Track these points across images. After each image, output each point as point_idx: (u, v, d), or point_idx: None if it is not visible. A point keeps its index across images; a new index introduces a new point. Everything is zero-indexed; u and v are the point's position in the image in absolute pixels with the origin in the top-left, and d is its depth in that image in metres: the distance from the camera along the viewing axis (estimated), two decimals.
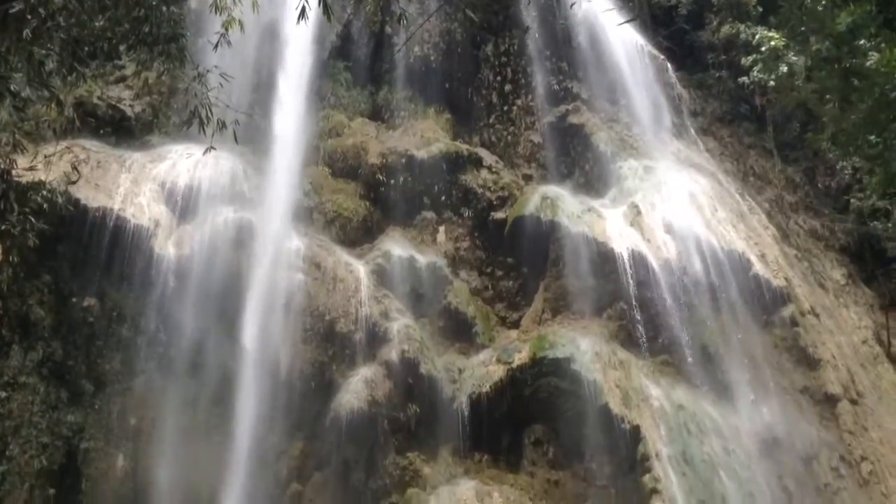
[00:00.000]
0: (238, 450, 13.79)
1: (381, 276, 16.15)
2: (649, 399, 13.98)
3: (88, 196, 14.21)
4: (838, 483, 13.14)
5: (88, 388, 13.71)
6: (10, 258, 12.64)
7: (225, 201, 15.50)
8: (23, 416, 12.95)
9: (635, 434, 13.54)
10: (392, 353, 14.91)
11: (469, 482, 13.94)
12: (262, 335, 14.58)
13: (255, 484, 13.71)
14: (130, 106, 16.81)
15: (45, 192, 11.98)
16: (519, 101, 19.36)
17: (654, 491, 12.89)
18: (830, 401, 14.10)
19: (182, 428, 13.83)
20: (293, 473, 14.27)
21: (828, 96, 13.54)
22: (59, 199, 12.94)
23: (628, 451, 13.61)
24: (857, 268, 17.78)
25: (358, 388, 14.42)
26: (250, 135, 16.01)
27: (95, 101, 16.31)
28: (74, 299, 13.93)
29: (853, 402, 14.01)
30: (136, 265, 14.17)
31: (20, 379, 13.12)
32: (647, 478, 13.07)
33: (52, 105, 11.30)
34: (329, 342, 15.06)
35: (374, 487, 14.15)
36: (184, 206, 15.17)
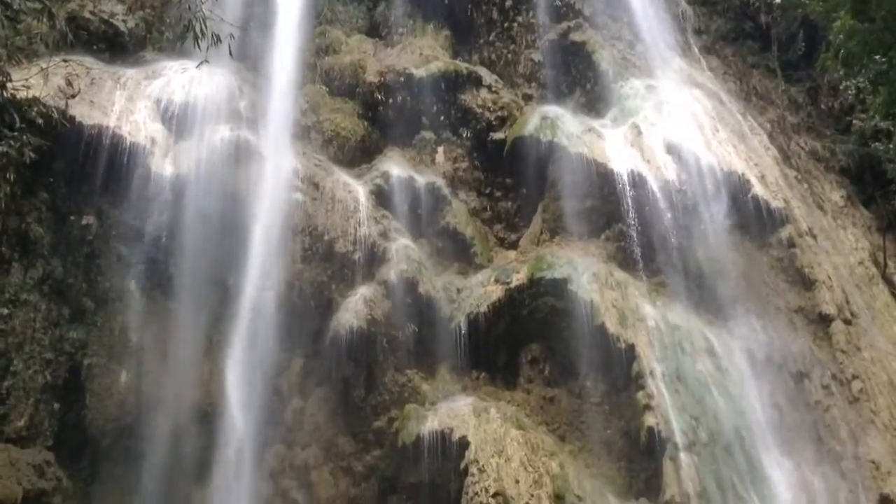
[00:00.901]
0: (240, 366, 14.00)
1: (379, 197, 16.12)
2: (645, 319, 14.15)
3: (84, 113, 14.03)
4: (829, 400, 13.41)
5: (89, 305, 13.82)
6: (7, 175, 12.62)
7: (221, 119, 15.31)
8: (25, 333, 13.07)
9: (630, 353, 13.75)
10: (391, 273, 15.01)
11: (466, 399, 14.23)
12: (260, 254, 14.62)
13: (258, 399, 13.96)
14: (123, 21, 16.43)
15: (40, 108, 11.82)
16: (520, 18, 18.97)
17: (647, 407, 13.17)
18: (824, 321, 14.28)
19: (184, 345, 13.99)
20: (294, 389, 14.54)
21: (834, 14, 13.29)
22: (55, 115, 12.80)
23: (623, 370, 13.86)
24: (856, 189, 17.75)
25: (357, 307, 14.55)
26: (246, 51, 15.76)
27: (87, 15, 15.94)
28: (72, 217, 13.90)
29: (847, 322, 14.18)
30: (133, 184, 14.07)
31: (21, 296, 13.19)
32: (640, 395, 13.34)
33: (44, 18, 11.08)
34: (328, 262, 15.12)
35: (373, 403, 14.43)
36: (180, 123, 14.98)
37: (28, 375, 12.93)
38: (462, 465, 12.96)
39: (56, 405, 13.17)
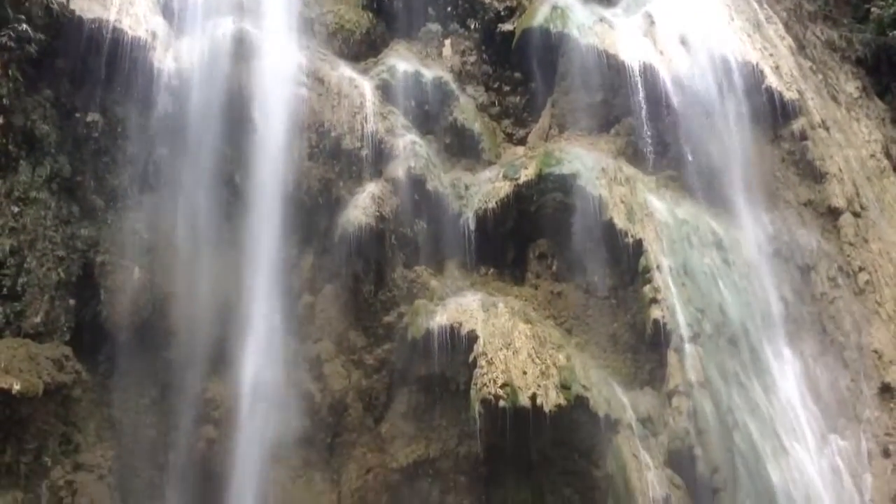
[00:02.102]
0: (250, 263, 14.13)
1: (386, 92, 15.89)
2: (653, 214, 14.14)
3: (83, 7, 13.66)
4: (834, 292, 13.53)
5: (99, 203, 13.83)
6: (10, 72, 12.45)
7: (223, 12, 14.96)
8: (37, 231, 13.15)
9: (637, 247, 13.80)
10: (398, 170, 14.94)
11: (475, 294, 14.39)
12: (267, 151, 14.53)
13: (269, 296, 14.16)
14: None
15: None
16: None
17: (654, 301, 13.32)
18: (833, 213, 14.23)
19: (195, 243, 14.08)
20: (305, 285, 14.72)
21: None
22: (55, 5, 12.49)
23: (630, 264, 13.95)
24: (871, 80, 17.35)
25: (365, 203, 14.57)
26: None
27: None
28: (77, 114, 13.74)
29: (856, 214, 14.14)
30: (136, 79, 13.85)
31: (31, 194, 13.20)
32: (647, 288, 13.47)
33: None
34: (335, 159, 15.04)
35: (383, 299, 14.63)
36: (181, 17, 14.66)
37: (42, 273, 13.09)
38: (471, 358, 13.22)
39: (71, 301, 13.38)
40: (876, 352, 12.75)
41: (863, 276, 13.53)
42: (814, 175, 14.55)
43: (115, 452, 13.17)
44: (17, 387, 11.94)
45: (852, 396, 12.54)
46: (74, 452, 12.82)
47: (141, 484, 13.25)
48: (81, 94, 13.83)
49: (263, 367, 13.80)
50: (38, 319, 12.93)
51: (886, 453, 11.88)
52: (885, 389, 12.47)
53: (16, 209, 13.05)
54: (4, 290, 12.80)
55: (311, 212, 14.80)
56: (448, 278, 14.91)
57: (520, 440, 12.88)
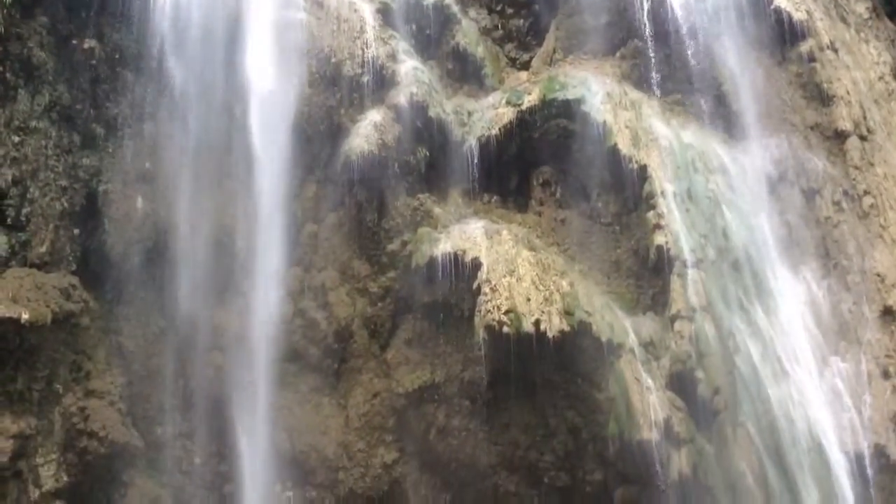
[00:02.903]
0: (253, 193, 14.09)
1: (386, 16, 15.58)
2: (658, 139, 14.03)
3: None
4: (839, 217, 13.51)
5: (99, 132, 13.72)
6: None
7: None
8: (38, 160, 13.08)
9: (642, 173, 13.75)
10: (400, 97, 14.75)
11: (478, 221, 14.39)
12: (267, 79, 14.33)
13: (272, 226, 14.17)
14: None
15: None
16: None
17: (657, 227, 13.33)
18: (840, 137, 14.11)
19: (196, 173, 14.02)
20: (308, 214, 14.71)
21: None
22: None
23: (634, 190, 13.91)
24: (881, 0, 16.98)
25: (367, 131, 14.43)
26: None
27: None
28: (74, 41, 13.52)
29: (862, 138, 14.01)
30: (132, 5, 13.62)
31: (30, 123, 13.08)
32: (650, 214, 13.47)
33: None
34: (336, 86, 14.83)
35: (386, 227, 14.62)
36: None
37: (45, 202, 13.08)
38: (475, 285, 13.30)
39: (76, 231, 13.42)
40: (879, 275, 12.80)
41: (867, 200, 13.49)
42: (821, 98, 14.38)
43: (125, 379, 13.40)
44: (25, 316, 12.07)
45: (854, 319, 12.63)
46: (85, 379, 13.04)
47: (151, 409, 13.51)
48: (77, 20, 13.58)
49: (269, 296, 13.93)
50: (43, 249, 12.98)
51: (886, 374, 12.04)
52: (886, 312, 12.56)
53: (16, 139, 12.97)
54: (9, 220, 12.83)
55: (313, 140, 14.68)
56: (451, 206, 14.88)
57: (523, 365, 13.05)
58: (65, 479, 12.61)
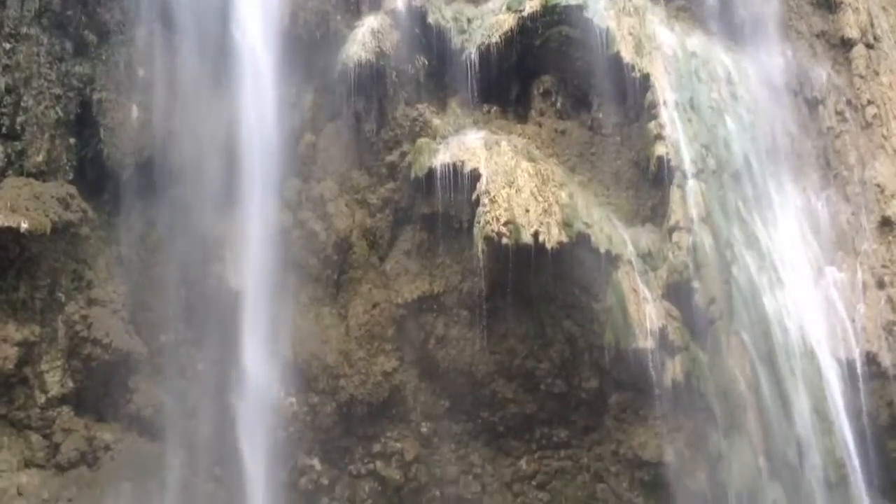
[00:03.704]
0: (250, 102, 13.90)
1: None
2: (662, 47, 13.79)
3: None
4: (841, 126, 13.40)
5: (91, 38, 13.42)
6: None
7: None
8: (31, 68, 12.86)
9: (645, 82, 13.57)
10: (398, 2, 14.46)
11: (478, 132, 14.24)
12: None
13: (270, 135, 14.02)
14: None
15: None
16: None
17: (659, 137, 13.24)
18: (846, 45, 13.87)
19: (192, 81, 13.78)
20: (306, 125, 14.56)
21: None
22: None
23: (636, 100, 13.76)
24: None
25: (364, 38, 14.16)
26: None
27: None
28: None
29: (869, 46, 13.77)
30: None
31: (21, 30, 12.80)
32: (652, 124, 13.35)
33: None
34: None
35: (385, 138, 14.50)
36: None
37: (39, 111, 12.91)
38: (474, 197, 13.29)
39: (72, 140, 13.30)
40: (879, 186, 12.77)
41: (871, 110, 13.34)
42: (828, 4, 14.09)
43: (127, 288, 13.50)
44: (24, 225, 12.08)
45: (852, 230, 12.69)
46: (87, 288, 13.15)
47: (153, 318, 13.64)
48: None
49: (268, 207, 13.91)
50: (39, 158, 12.89)
51: (881, 284, 12.15)
52: (884, 223, 12.59)
53: (7, 46, 12.73)
54: (3, 129, 12.71)
55: (309, 47, 14.40)
56: (451, 116, 14.71)
57: (522, 276, 13.16)
58: (70, 384, 12.86)
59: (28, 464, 12.61)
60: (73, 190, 12.97)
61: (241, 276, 13.57)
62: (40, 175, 12.91)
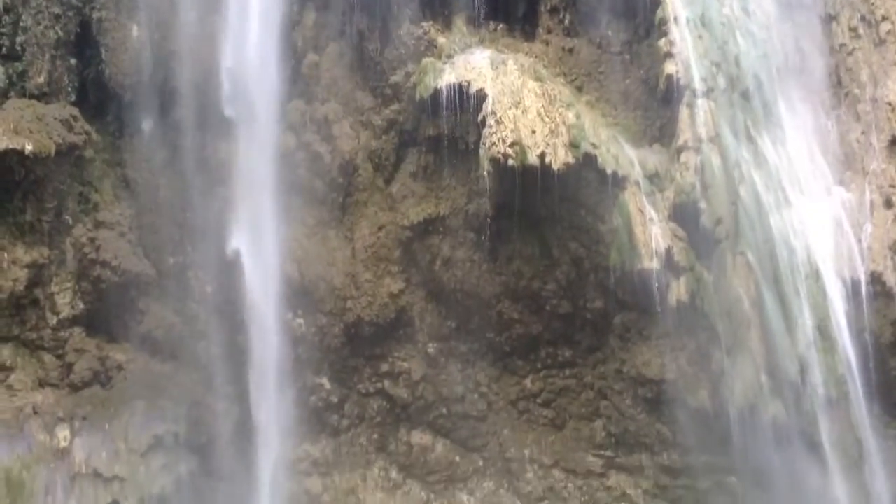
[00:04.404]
0: (252, 21, 13.61)
1: None
2: None
3: None
4: (854, 43, 13.04)
5: None
6: None
7: None
8: None
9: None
10: None
11: (484, 51, 13.97)
12: None
13: (272, 56, 13.78)
14: None
15: None
16: None
17: (668, 55, 12.96)
18: None
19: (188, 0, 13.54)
20: (309, 44, 14.27)
21: None
22: None
23: (646, 16, 13.46)
24: None
25: None
26: None
27: None
28: None
29: None
30: None
31: None
32: (662, 42, 13.05)
33: None
34: None
35: (389, 58, 14.24)
36: None
37: (39, 31, 12.78)
38: (480, 118, 13.13)
39: (73, 61, 13.21)
40: (890, 104, 12.50)
41: (885, 26, 12.96)
42: None
43: (134, 211, 13.57)
44: (28, 147, 12.09)
45: (861, 149, 12.52)
46: (93, 211, 13.23)
47: (161, 240, 13.74)
48: None
49: (271, 128, 13.81)
50: (41, 79, 12.81)
51: (889, 204, 12.06)
52: (894, 142, 12.38)
53: None
54: (4, 49, 12.67)
55: None
56: (456, 35, 14.41)
57: (528, 198, 13.14)
58: (81, 306, 13.06)
59: (42, 383, 12.92)
60: (75, 111, 12.90)
61: (245, 199, 13.56)
62: (42, 96, 12.87)
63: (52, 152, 12.33)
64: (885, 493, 11.51)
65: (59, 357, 13.01)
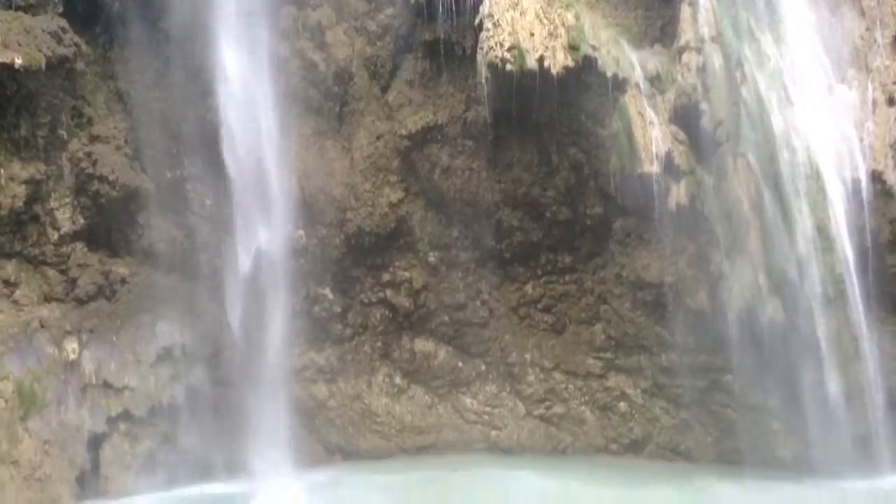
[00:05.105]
0: None
1: None
2: None
3: None
4: None
5: None
6: None
7: None
8: None
9: None
10: None
11: None
12: None
13: None
14: None
15: None
16: None
17: None
18: None
19: None
20: None
21: None
22: None
23: None
24: None
25: None
26: None
27: None
28: None
29: None
30: None
31: None
32: None
33: None
34: None
35: None
36: None
37: None
38: (476, 21, 12.90)
39: None
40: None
41: None
42: None
43: (128, 125, 13.41)
44: (18, 60, 11.87)
45: (865, 46, 12.24)
46: (88, 125, 13.07)
47: (157, 153, 13.63)
48: None
49: (262, 37, 13.51)
50: None
51: (892, 101, 11.87)
52: None
53: None
54: None
55: None
56: None
57: (526, 103, 13.01)
58: (81, 221, 13.04)
59: (48, 298, 13.02)
60: (64, 23, 12.57)
61: (238, 106, 13.37)
62: (29, 8, 12.55)
63: (43, 65, 12.08)
64: (879, 389, 11.73)
65: (62, 272, 13.06)
